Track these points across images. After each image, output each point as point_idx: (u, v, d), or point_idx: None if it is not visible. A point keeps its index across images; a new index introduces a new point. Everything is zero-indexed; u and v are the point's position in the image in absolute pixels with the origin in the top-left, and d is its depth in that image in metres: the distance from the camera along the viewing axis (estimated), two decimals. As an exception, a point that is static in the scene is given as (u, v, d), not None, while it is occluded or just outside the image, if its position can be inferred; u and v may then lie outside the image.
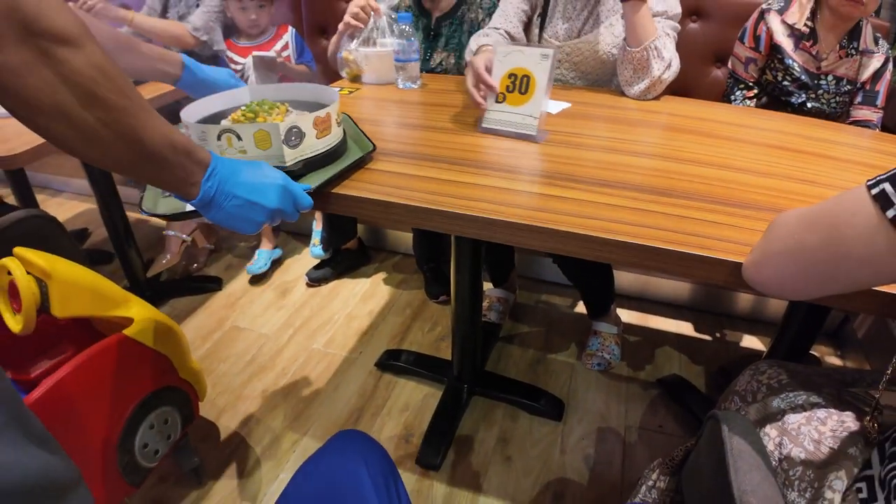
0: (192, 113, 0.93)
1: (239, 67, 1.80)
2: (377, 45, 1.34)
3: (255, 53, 1.77)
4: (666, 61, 1.20)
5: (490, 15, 1.54)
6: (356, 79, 1.37)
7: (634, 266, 0.70)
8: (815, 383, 0.78)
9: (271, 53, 1.77)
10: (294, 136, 0.81)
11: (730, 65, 1.53)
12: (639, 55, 1.20)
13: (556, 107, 1.19)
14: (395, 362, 1.52)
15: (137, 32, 1.83)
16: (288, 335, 1.67)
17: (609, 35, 1.30)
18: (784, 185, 0.86)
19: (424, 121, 1.13)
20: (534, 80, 1.00)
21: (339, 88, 1.31)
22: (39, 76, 0.48)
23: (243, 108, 0.92)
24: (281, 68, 1.77)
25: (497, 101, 1.03)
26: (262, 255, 1.96)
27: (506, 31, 1.35)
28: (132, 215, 2.48)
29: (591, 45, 1.32)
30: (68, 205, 2.59)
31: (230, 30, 1.88)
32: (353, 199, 0.80)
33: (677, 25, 1.31)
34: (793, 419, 0.73)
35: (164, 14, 1.84)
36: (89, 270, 1.14)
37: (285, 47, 1.83)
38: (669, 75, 1.24)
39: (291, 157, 0.81)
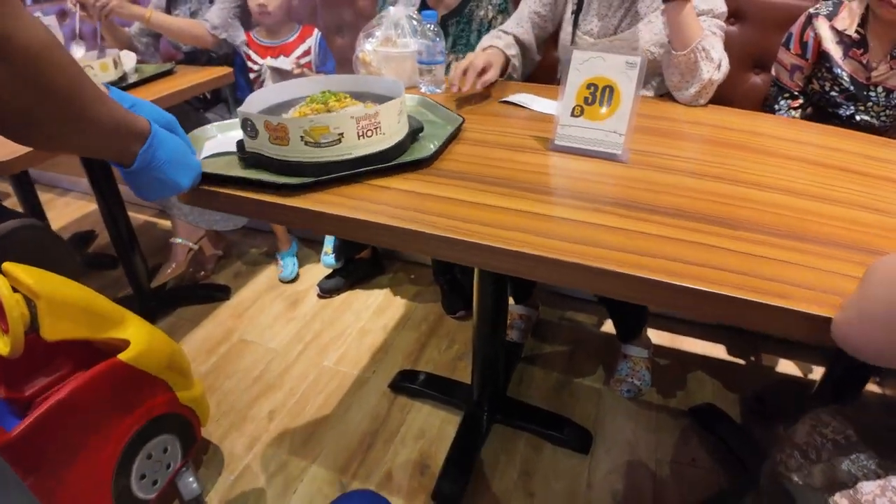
0: (252, 103, 0.90)
1: (256, 68, 1.71)
2: (398, 46, 1.25)
3: (270, 63, 1.68)
4: (715, 62, 1.10)
5: (501, 12, 1.44)
6: (374, 82, 1.28)
7: (702, 316, 0.60)
8: (888, 440, 0.69)
9: (286, 64, 1.66)
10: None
11: (773, 72, 1.42)
12: (685, 58, 1.10)
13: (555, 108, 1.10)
14: (409, 385, 1.43)
15: (140, 32, 1.76)
16: (297, 350, 1.59)
17: (648, 33, 1.21)
18: (859, 216, 0.75)
19: (468, 133, 0.99)
20: (618, 91, 0.87)
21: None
22: None
23: (308, 99, 0.90)
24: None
25: (573, 115, 0.90)
26: (288, 261, 1.91)
27: (515, 37, 1.30)
28: (138, 217, 2.42)
29: (629, 44, 1.23)
30: (76, 205, 2.53)
31: (250, 22, 1.79)
32: (364, 225, 0.71)
33: (723, 24, 1.21)
34: (866, 488, 0.65)
35: (168, 10, 1.76)
36: (84, 287, 1.07)
37: (307, 52, 1.72)
38: (720, 77, 1.14)
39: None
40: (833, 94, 1.28)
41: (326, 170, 0.79)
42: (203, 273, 1.87)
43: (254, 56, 1.72)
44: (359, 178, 0.81)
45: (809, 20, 1.28)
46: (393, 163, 0.83)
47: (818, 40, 1.26)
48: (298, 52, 1.70)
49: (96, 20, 1.57)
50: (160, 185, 0.71)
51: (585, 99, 0.89)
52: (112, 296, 1.87)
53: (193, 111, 1.73)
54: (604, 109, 0.88)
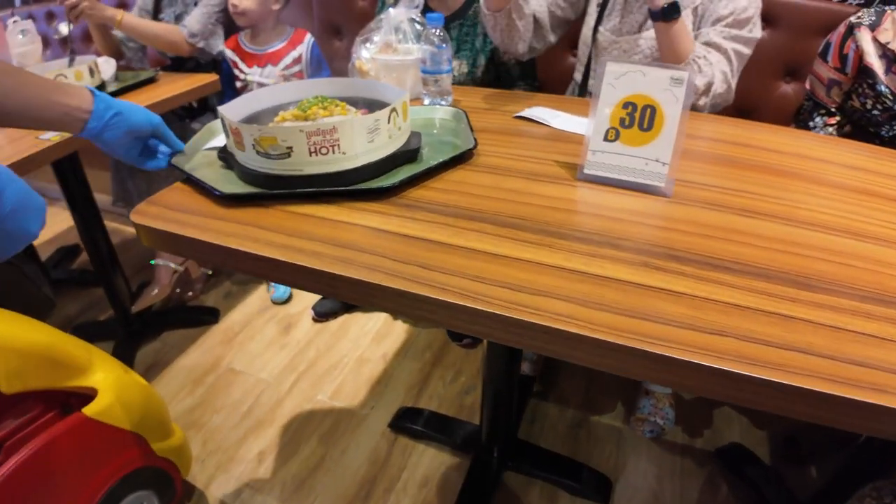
0: (232, 111, 0.82)
1: (243, 77, 1.59)
2: (399, 53, 1.12)
3: (252, 77, 1.54)
4: (700, 88, 1.00)
5: None
6: (372, 94, 1.15)
7: (793, 415, 0.48)
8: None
9: (268, 78, 1.53)
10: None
11: (808, 85, 1.29)
12: None
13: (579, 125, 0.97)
14: (412, 425, 1.31)
15: (127, 37, 1.63)
16: (290, 382, 1.47)
17: None
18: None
19: (477, 156, 0.86)
20: (661, 111, 0.74)
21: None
22: None
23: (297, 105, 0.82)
24: None
25: (607, 139, 0.76)
26: None
27: (532, 14, 1.15)
28: (123, 230, 2.30)
29: (652, 43, 1.11)
30: (63, 215, 2.41)
31: (237, 27, 1.66)
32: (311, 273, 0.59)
33: (745, 33, 1.06)
34: None
35: (156, 14, 1.64)
36: (47, 330, 0.95)
37: (297, 60, 1.59)
38: (708, 101, 1.04)
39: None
40: (875, 112, 1.15)
41: (274, 184, 0.73)
42: (191, 294, 1.75)
43: (240, 64, 1.60)
44: (320, 200, 0.72)
45: (851, 30, 1.16)
46: (342, 188, 0.73)
47: (859, 53, 1.14)
48: (288, 59, 1.56)
49: (71, 23, 1.45)
50: (8, 240, 0.64)
51: (622, 120, 0.75)
52: (94, 318, 1.79)
53: (178, 121, 1.60)
54: (644, 133, 0.75)
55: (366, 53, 1.09)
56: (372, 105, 0.87)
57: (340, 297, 0.59)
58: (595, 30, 1.19)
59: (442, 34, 1.02)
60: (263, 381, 1.48)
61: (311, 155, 0.71)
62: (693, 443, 1.31)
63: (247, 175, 0.76)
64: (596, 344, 0.49)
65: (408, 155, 0.80)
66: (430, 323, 0.56)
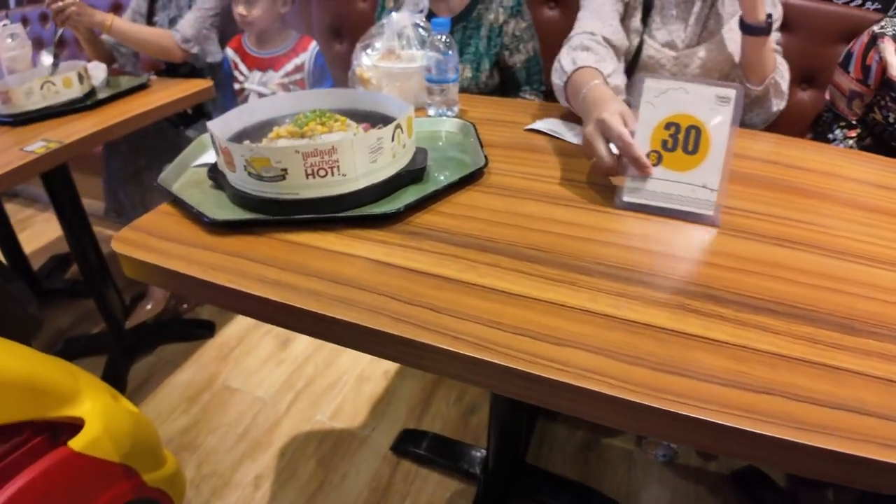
0: (222, 127, 0.76)
1: (242, 79, 1.53)
2: (403, 60, 1.06)
3: (251, 86, 1.48)
4: (785, 94, 0.96)
5: (513, 16, 1.24)
6: (374, 104, 1.09)
7: (840, 481, 0.42)
8: None
9: (266, 86, 1.47)
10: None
11: (827, 95, 1.23)
12: (758, 92, 0.97)
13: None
14: (414, 449, 1.25)
15: (117, 42, 1.57)
16: (288, 401, 1.42)
17: (732, 42, 1.05)
18: None
19: (488, 175, 0.79)
20: (706, 133, 0.67)
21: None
22: None
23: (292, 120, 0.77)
24: None
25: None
26: None
27: (604, 38, 1.03)
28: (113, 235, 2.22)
29: (713, 55, 1.05)
30: (55, 222, 2.35)
31: (236, 28, 1.60)
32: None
33: (781, 39, 1.06)
34: None
35: (150, 17, 1.57)
36: (30, 357, 0.89)
37: (299, 68, 1.52)
38: (783, 107, 1.01)
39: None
40: None
41: (268, 208, 0.67)
42: (186, 306, 1.69)
43: (241, 66, 1.54)
44: (316, 227, 0.66)
45: (874, 41, 1.10)
46: (342, 214, 0.67)
47: (883, 65, 1.08)
48: (290, 66, 1.50)
49: (59, 28, 1.39)
50: None
51: (664, 143, 0.68)
52: (87, 330, 1.74)
53: (172, 128, 1.54)
54: (689, 157, 0.68)
55: (367, 60, 1.03)
56: (373, 119, 0.81)
57: (339, 342, 0.53)
58: (641, 40, 1.09)
59: (448, 40, 0.96)
60: (260, 399, 1.42)
61: (307, 177, 0.65)
62: (707, 466, 1.26)
63: (238, 198, 0.70)
64: (632, 407, 0.43)
65: (413, 174, 0.74)
66: (439, 375, 0.50)
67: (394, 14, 1.03)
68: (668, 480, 1.22)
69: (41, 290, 1.86)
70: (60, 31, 1.42)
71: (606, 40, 1.03)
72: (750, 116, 1.07)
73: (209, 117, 1.62)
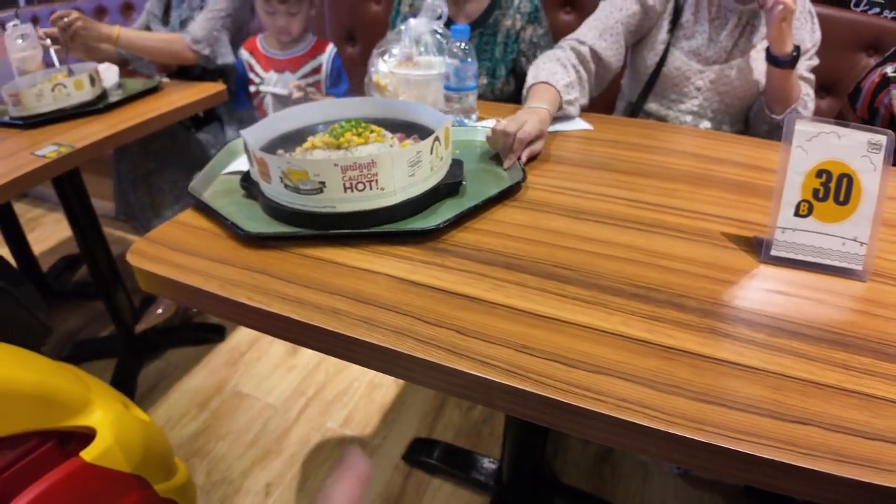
0: (256, 136, 0.74)
1: (258, 81, 1.51)
2: (420, 66, 1.04)
3: (265, 88, 1.47)
4: None
5: (531, 22, 1.23)
6: (389, 110, 1.07)
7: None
8: None
9: (283, 88, 1.46)
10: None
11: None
12: (777, 122, 1.00)
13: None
14: (426, 459, 1.24)
15: (127, 52, 1.55)
16: (298, 407, 1.40)
17: (760, 61, 1.05)
18: None
19: (543, 201, 0.74)
20: (858, 181, 0.63)
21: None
22: None
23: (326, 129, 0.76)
24: (301, 103, 1.45)
25: (799, 214, 0.64)
26: None
27: (591, 50, 1.05)
28: (126, 238, 2.22)
29: (743, 74, 1.05)
30: (65, 223, 2.35)
31: (243, 35, 1.59)
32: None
33: (815, 63, 1.08)
34: None
35: (165, 19, 1.56)
36: (40, 365, 0.88)
37: (317, 70, 1.51)
38: None
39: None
40: None
41: (304, 222, 0.66)
42: (196, 310, 1.68)
43: (256, 67, 1.52)
44: (340, 242, 0.65)
45: (886, 83, 1.06)
46: (382, 229, 0.65)
47: (891, 111, 1.04)
48: (307, 68, 1.49)
49: (65, 48, 1.38)
50: None
51: (815, 192, 0.64)
52: (96, 333, 1.73)
53: (184, 131, 1.53)
54: (840, 207, 0.64)
55: (384, 67, 1.02)
56: (407, 128, 0.79)
57: (364, 364, 0.51)
58: (666, 52, 1.09)
59: (467, 48, 0.94)
60: (271, 406, 1.41)
61: (345, 191, 0.63)
62: (722, 478, 1.24)
63: (271, 209, 0.68)
64: (672, 439, 0.41)
65: (449, 188, 0.72)
66: (471, 401, 0.49)
67: (411, 20, 1.02)
68: (684, 493, 1.21)
69: (50, 292, 1.86)
70: (52, 57, 1.40)
71: (594, 53, 1.05)
72: (760, 131, 1.08)
73: (220, 121, 1.61)
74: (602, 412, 0.42)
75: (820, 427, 0.43)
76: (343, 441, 1.31)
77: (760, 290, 0.59)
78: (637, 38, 1.13)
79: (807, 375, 0.47)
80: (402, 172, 0.65)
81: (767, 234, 0.64)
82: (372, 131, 0.72)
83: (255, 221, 0.68)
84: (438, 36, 1.03)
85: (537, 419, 0.46)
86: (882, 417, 0.44)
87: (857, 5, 1.40)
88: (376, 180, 0.63)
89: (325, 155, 0.69)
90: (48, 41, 1.40)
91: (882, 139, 0.61)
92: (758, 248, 0.65)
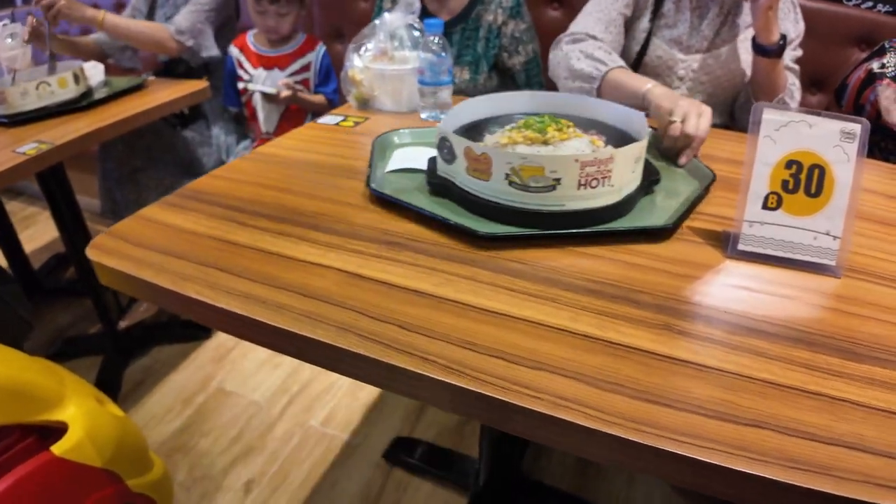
0: (455, 116, 0.74)
1: (247, 78, 1.51)
2: (395, 61, 1.03)
3: (254, 87, 1.47)
4: None
5: (513, 17, 1.21)
6: (365, 104, 1.06)
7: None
8: None
9: (272, 88, 1.45)
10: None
11: None
12: None
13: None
14: (407, 458, 1.23)
15: (111, 36, 1.55)
16: (282, 405, 1.40)
17: (744, 51, 1.03)
18: None
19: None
20: (830, 172, 0.60)
21: (340, 117, 1.01)
22: None
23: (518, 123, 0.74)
24: (290, 101, 1.45)
25: (767, 207, 0.62)
26: None
27: (608, 45, 1.04)
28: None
29: (726, 63, 1.03)
30: (59, 219, 2.37)
31: (232, 31, 1.59)
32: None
33: (799, 53, 1.06)
34: None
35: (150, 15, 1.56)
36: (14, 360, 0.88)
37: (306, 68, 1.51)
38: None
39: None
40: None
41: (529, 220, 0.62)
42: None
43: (246, 64, 1.52)
44: (290, 237, 0.63)
45: (871, 80, 1.03)
46: (610, 227, 0.63)
47: (876, 108, 1.01)
48: (296, 65, 1.48)
49: (44, 43, 1.38)
50: None
51: (784, 184, 0.61)
52: (85, 330, 1.74)
53: (169, 128, 1.53)
54: (812, 200, 0.61)
55: (359, 62, 1.01)
56: (589, 125, 0.77)
57: (307, 360, 0.50)
58: (647, 41, 1.07)
59: (442, 42, 0.93)
60: (255, 403, 1.41)
61: (579, 188, 0.61)
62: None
63: (482, 208, 0.65)
64: (610, 440, 0.40)
65: (652, 183, 0.71)
66: (410, 398, 0.48)
67: (386, 14, 1.01)
68: (668, 492, 1.19)
69: (42, 289, 1.87)
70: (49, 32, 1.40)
71: (607, 45, 1.04)
72: (746, 123, 1.07)
73: (206, 118, 1.60)
74: (538, 410, 0.41)
75: (775, 430, 0.41)
76: (324, 439, 1.30)
77: (723, 286, 0.57)
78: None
79: (765, 375, 0.46)
80: (628, 168, 0.64)
81: (734, 227, 0.62)
82: (569, 126, 0.71)
83: (459, 218, 0.64)
84: (414, 31, 1.01)
85: (478, 417, 0.44)
86: (844, 421, 0.42)
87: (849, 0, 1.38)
88: (609, 177, 0.62)
89: (535, 150, 0.67)
90: (27, 36, 1.40)
91: (856, 127, 0.59)
92: (726, 242, 0.63)
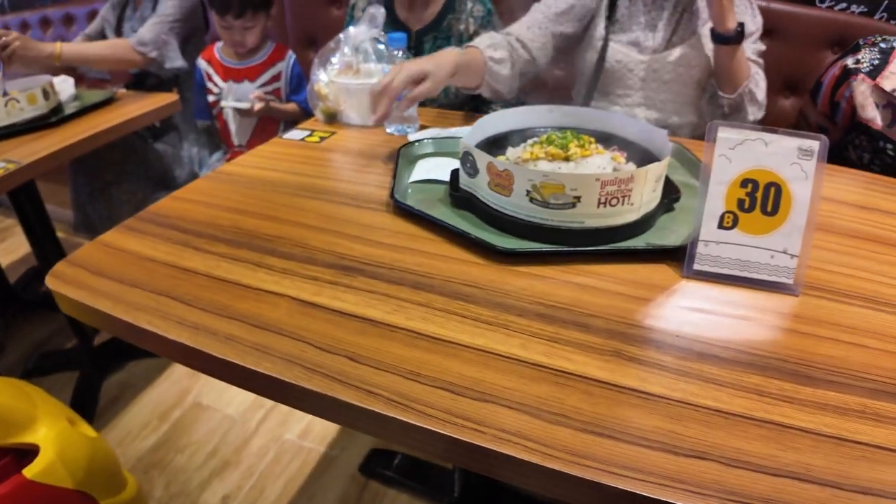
0: (480, 129, 0.75)
1: (217, 91, 1.49)
2: (361, 75, 1.03)
3: (227, 104, 1.45)
4: (761, 104, 0.98)
5: (484, 26, 1.22)
6: (332, 118, 1.06)
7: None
8: None
9: (244, 103, 1.43)
10: None
11: (798, 124, 1.19)
12: (730, 102, 0.98)
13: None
14: (383, 470, 1.22)
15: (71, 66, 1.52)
16: (257, 419, 1.39)
17: (704, 47, 1.04)
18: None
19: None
20: (788, 190, 0.60)
21: (307, 132, 1.01)
22: None
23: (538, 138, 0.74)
24: (263, 113, 1.44)
25: (722, 226, 0.62)
26: None
27: (518, 40, 1.06)
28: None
29: (687, 60, 1.03)
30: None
31: (203, 41, 1.57)
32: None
33: (762, 48, 1.05)
34: None
35: (118, 27, 1.54)
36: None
37: (276, 78, 1.49)
38: (761, 116, 1.02)
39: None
40: (874, 167, 1.02)
41: (549, 236, 0.64)
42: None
43: (214, 76, 1.50)
44: (245, 263, 0.63)
45: (846, 76, 1.03)
46: (625, 245, 0.64)
47: (852, 105, 1.02)
48: (266, 76, 1.47)
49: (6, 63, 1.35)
50: None
51: (740, 203, 0.61)
52: (62, 344, 1.72)
53: (141, 141, 1.51)
54: (768, 218, 0.61)
55: (324, 76, 1.00)
56: (609, 140, 0.77)
57: (260, 393, 0.50)
58: (604, 44, 1.08)
59: (405, 56, 0.93)
60: (230, 417, 1.40)
61: (599, 206, 0.62)
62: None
63: (503, 223, 0.66)
64: (550, 474, 0.40)
65: (672, 201, 0.71)
66: (358, 431, 0.48)
67: (351, 28, 1.00)
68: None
69: (18, 302, 1.84)
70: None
71: (520, 41, 1.06)
72: (715, 118, 1.07)
73: (178, 130, 1.59)
74: (479, 444, 0.41)
75: (717, 462, 0.41)
76: (300, 452, 1.30)
77: (677, 308, 0.58)
78: (573, 42, 1.13)
79: (712, 403, 0.46)
80: (649, 187, 0.64)
81: (690, 247, 0.63)
82: (591, 142, 0.71)
83: (480, 232, 0.66)
84: (379, 44, 1.01)
85: (422, 450, 0.44)
86: (790, 450, 0.42)
87: (822, 1, 1.39)
88: (630, 195, 0.62)
89: (554, 167, 0.68)
90: None
91: (814, 144, 0.59)
92: (682, 262, 0.64)
